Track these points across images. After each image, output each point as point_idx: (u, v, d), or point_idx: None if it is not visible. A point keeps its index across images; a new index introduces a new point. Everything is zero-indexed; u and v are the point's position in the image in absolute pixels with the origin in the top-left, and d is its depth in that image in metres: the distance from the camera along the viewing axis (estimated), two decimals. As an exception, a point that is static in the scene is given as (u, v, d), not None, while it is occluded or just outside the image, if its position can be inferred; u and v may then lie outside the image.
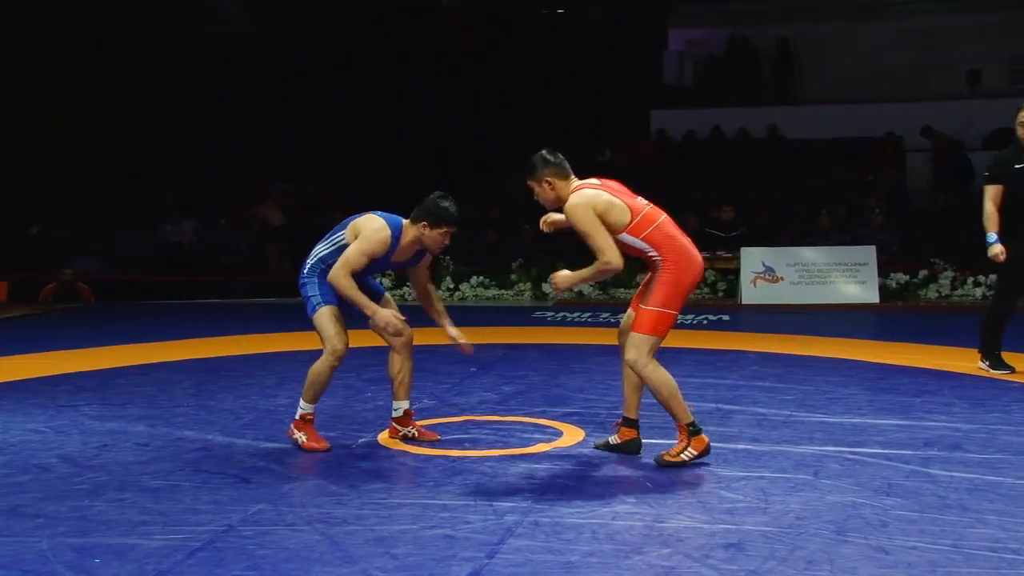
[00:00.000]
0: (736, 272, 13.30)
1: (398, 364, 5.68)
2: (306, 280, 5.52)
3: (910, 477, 4.90)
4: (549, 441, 5.68)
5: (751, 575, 3.67)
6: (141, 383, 7.65)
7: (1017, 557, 3.82)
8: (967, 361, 8.25)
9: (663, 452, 5.18)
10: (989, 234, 7.41)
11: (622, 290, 13.63)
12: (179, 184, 17.70)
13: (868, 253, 13.14)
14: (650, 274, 5.15)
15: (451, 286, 14.21)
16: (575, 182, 5.17)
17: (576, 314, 12.18)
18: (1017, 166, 7.36)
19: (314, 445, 5.49)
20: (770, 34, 19.37)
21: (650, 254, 5.06)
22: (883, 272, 13.12)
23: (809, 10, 19.55)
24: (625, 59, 20.73)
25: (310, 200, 17.15)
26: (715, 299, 13.34)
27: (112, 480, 5.00)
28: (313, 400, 5.54)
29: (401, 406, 5.74)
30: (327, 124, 19.35)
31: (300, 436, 5.52)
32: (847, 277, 13.10)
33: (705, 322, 11.29)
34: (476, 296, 14.11)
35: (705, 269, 13.61)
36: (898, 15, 19.30)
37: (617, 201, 5.06)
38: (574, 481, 4.92)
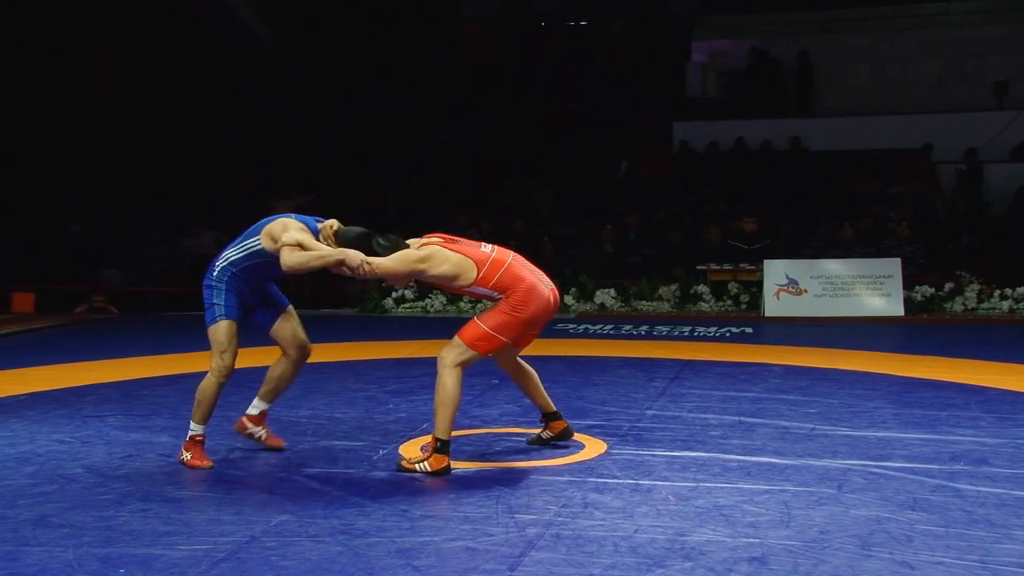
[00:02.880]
0: (759, 284, 13.25)
1: (282, 369, 5.71)
2: (213, 284, 5.49)
3: (936, 492, 4.88)
4: (571, 454, 5.69)
5: (774, 589, 3.67)
6: (165, 394, 7.71)
7: (1044, 572, 3.81)
8: (994, 375, 8.21)
9: (402, 459, 5.36)
10: None
11: (644, 302, 13.62)
12: (200, 197, 17.80)
13: (893, 265, 13.06)
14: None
15: (473, 298, 14.24)
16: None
17: (598, 326, 12.18)
18: None
19: (198, 463, 5.43)
20: (792, 46, 19.35)
21: (496, 297, 5.33)
22: (908, 285, 13.05)
23: (830, 22, 19.52)
24: (648, 71, 20.75)
25: (331, 213, 17.20)
26: (738, 312, 13.30)
27: (136, 490, 5.05)
28: (202, 420, 5.49)
29: (261, 406, 5.76)
30: (348, 137, 19.42)
31: (186, 455, 5.46)
32: (871, 290, 13.03)
33: (728, 335, 11.27)
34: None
35: (726, 284, 13.34)
36: (922, 26, 19.22)
37: (461, 258, 5.28)
38: (595, 494, 4.93)
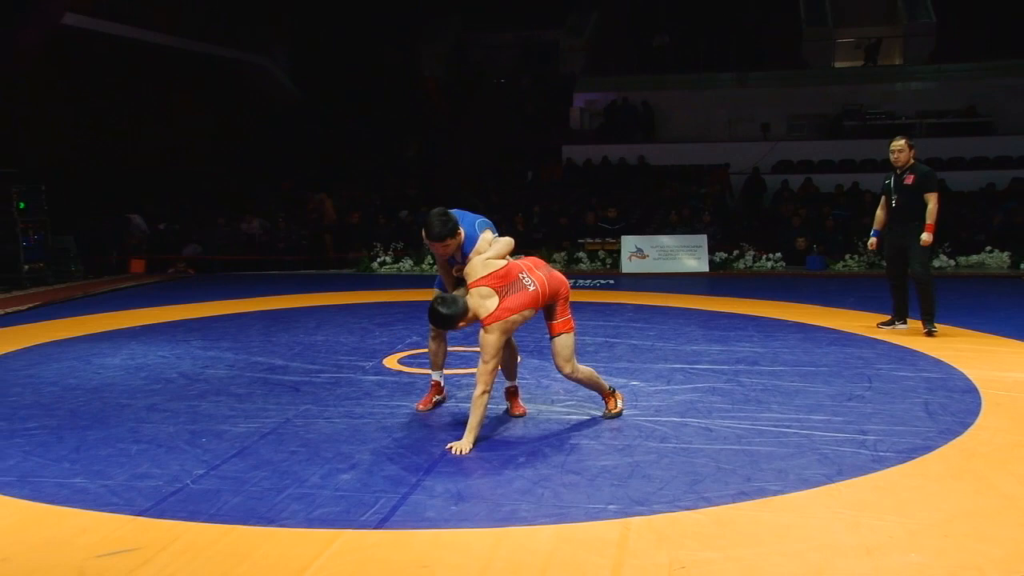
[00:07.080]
0: (618, 252, 13.36)
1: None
2: None
3: (727, 382, 5.00)
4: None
5: (626, 448, 3.75)
6: (228, 326, 7.55)
7: (789, 430, 3.95)
8: (762, 308, 8.34)
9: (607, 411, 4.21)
10: (873, 230, 6.90)
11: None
12: (251, 196, 17.38)
13: (701, 239, 13.29)
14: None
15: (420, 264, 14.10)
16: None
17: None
18: (886, 181, 6.80)
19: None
20: (638, 97, 19.42)
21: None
22: (711, 251, 13.26)
23: (663, 83, 19.66)
24: (544, 111, 20.65)
25: (341, 206, 16.87)
26: (604, 270, 13.38)
27: (211, 388, 4.98)
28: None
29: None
30: (347, 155, 19.11)
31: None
32: (688, 255, 13.23)
33: (598, 284, 11.37)
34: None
35: (596, 252, 13.16)
36: (718, 86, 19.45)
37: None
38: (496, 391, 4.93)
